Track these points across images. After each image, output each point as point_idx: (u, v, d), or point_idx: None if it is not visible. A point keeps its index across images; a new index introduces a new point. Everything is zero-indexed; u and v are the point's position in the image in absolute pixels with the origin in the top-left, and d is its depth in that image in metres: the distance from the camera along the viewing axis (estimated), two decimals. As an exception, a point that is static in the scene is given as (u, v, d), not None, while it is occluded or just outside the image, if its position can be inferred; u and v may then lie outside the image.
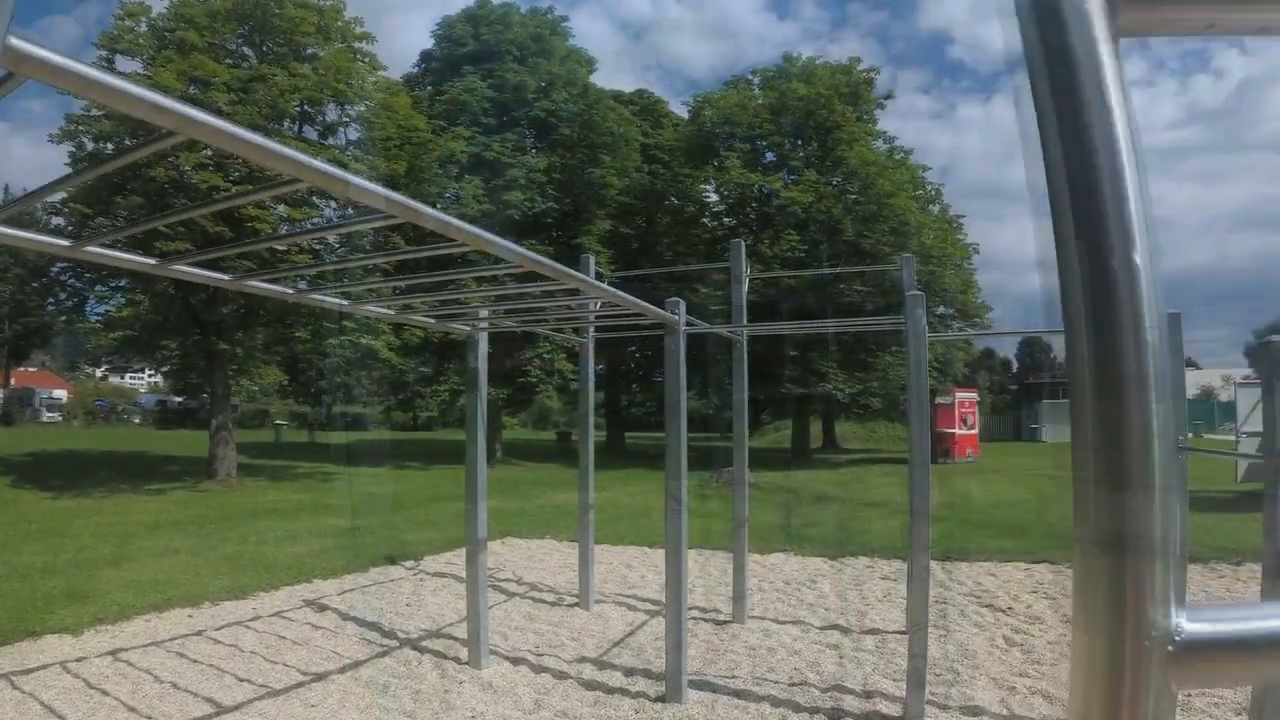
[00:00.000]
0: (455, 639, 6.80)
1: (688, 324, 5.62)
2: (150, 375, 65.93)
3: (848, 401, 35.30)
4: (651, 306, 4.94)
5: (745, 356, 7.84)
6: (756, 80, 33.62)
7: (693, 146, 32.78)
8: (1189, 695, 5.91)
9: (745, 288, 7.93)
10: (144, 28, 18.61)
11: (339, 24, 20.18)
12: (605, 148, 31.73)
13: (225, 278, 3.64)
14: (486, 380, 6.51)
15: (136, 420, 63.64)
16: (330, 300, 4.56)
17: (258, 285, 3.85)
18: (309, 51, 19.76)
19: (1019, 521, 13.97)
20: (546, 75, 31.13)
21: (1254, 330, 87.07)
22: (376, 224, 2.65)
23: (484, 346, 6.40)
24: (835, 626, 7.37)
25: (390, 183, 21.50)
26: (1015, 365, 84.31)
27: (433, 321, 5.81)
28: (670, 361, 5.38)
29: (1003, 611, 7.85)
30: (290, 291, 4.12)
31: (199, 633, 6.91)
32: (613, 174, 31.79)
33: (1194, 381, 69.89)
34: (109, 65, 18.04)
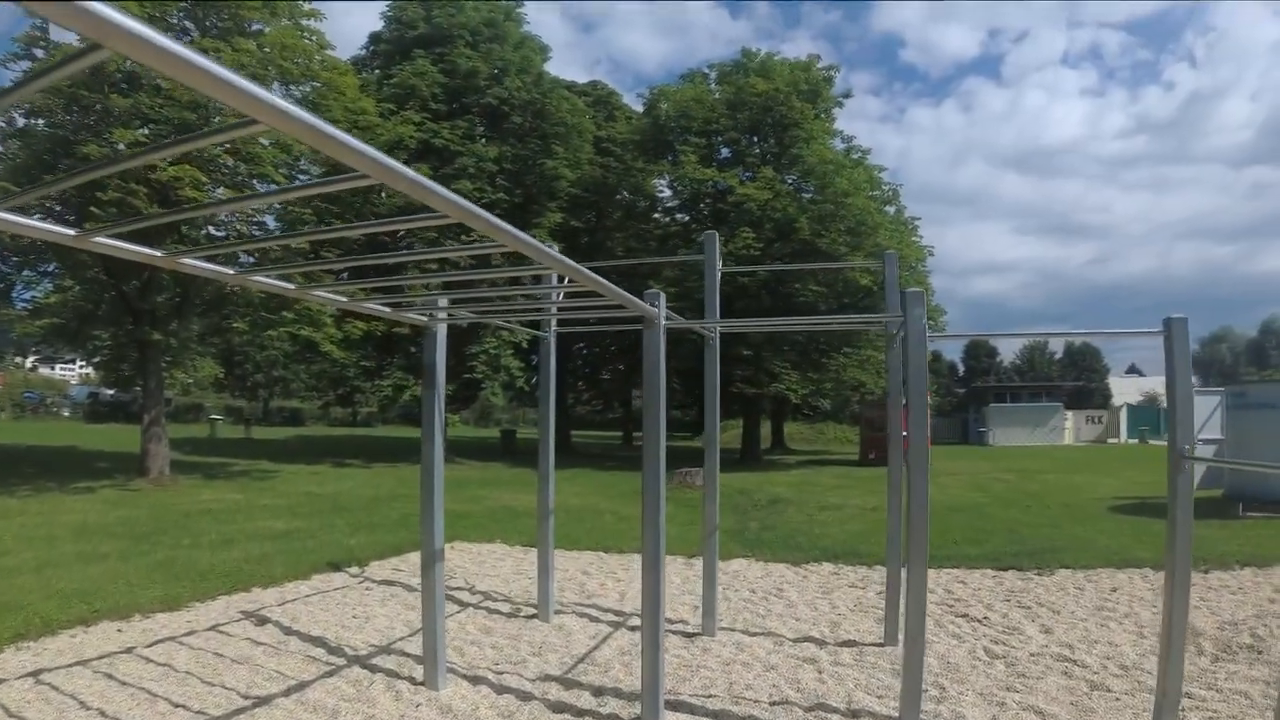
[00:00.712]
0: (408, 655, 6.30)
1: (665, 318, 5.19)
2: (81, 366, 63.80)
3: (799, 402, 35.34)
4: (634, 299, 4.51)
5: (718, 354, 7.46)
6: (713, 74, 33.38)
7: (647, 140, 32.40)
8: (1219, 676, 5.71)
9: (718, 281, 7.56)
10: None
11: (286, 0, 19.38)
12: (558, 138, 31.19)
13: (157, 253, 3.12)
14: (445, 375, 6.04)
15: (67, 413, 61.44)
16: (274, 283, 4.04)
17: (194, 264, 3.34)
18: (254, 28, 18.92)
19: (981, 527, 13.83)
20: (500, 61, 30.40)
21: (1199, 339, 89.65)
22: (343, 186, 2.20)
23: (443, 339, 5.94)
24: (809, 639, 7.03)
25: (334, 167, 20.75)
26: (961, 369, 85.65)
27: (388, 310, 5.31)
28: (650, 358, 4.95)
29: (979, 621, 7.60)
30: (230, 272, 3.60)
31: (129, 650, 6.30)
32: (565, 165, 31.27)
33: (1138, 388, 71.86)
34: (43, 35, 17.10)
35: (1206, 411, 17.68)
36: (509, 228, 2.78)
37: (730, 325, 8.12)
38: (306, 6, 19.98)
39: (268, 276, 3.95)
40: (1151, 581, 9.32)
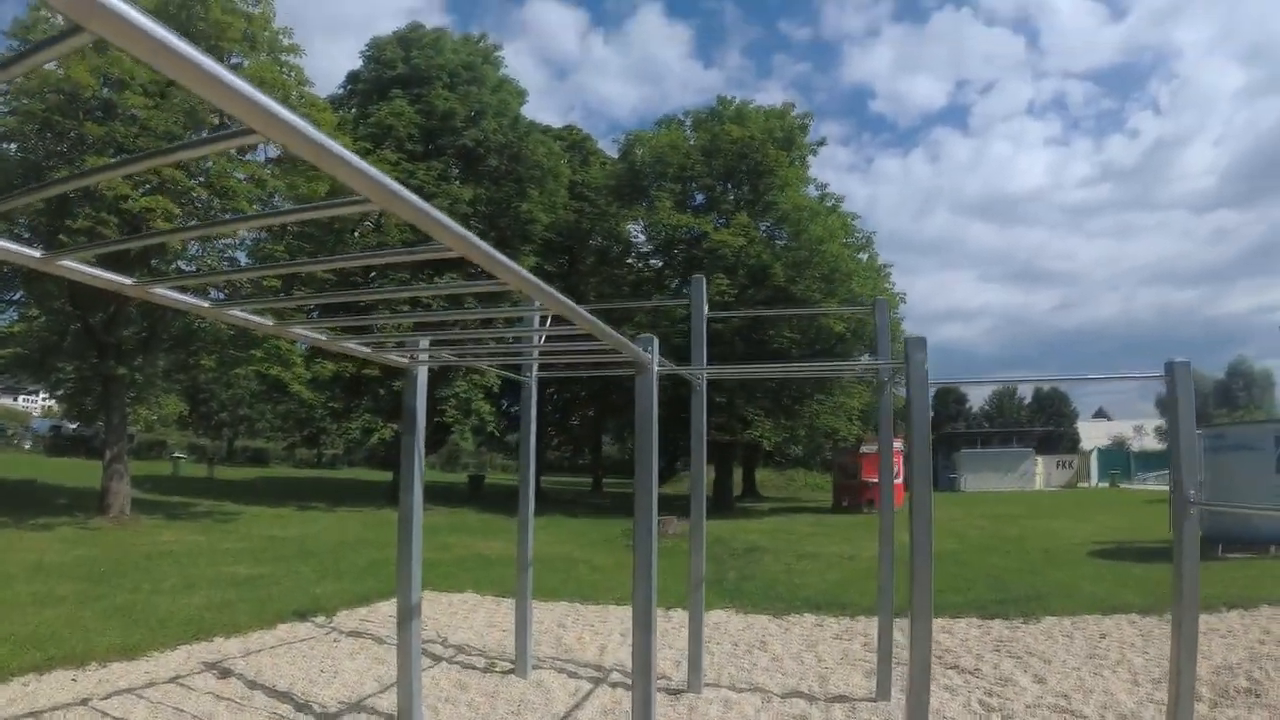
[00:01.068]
0: (379, 713, 5.96)
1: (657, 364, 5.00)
2: (45, 399, 62.44)
3: (771, 449, 35.20)
4: (628, 343, 4.32)
5: (705, 400, 7.26)
6: (689, 121, 33.61)
7: (622, 185, 32.45)
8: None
9: (704, 326, 7.38)
10: (59, 19, 17.44)
11: (267, 33, 19.20)
12: (533, 181, 31.16)
13: (127, 281, 2.89)
14: (425, 419, 5.79)
15: (28, 446, 59.92)
16: (252, 319, 3.80)
17: (167, 294, 3.10)
18: (233, 61, 18.73)
19: (961, 574, 13.65)
20: (477, 103, 30.40)
21: (1163, 383, 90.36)
22: (342, 211, 2.00)
23: (424, 382, 5.71)
24: (798, 693, 6.77)
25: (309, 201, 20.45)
26: (930, 415, 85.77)
27: (367, 351, 5.07)
28: (642, 404, 4.75)
29: (970, 673, 7.38)
30: (206, 304, 3.36)
31: (84, 701, 5.92)
32: (540, 208, 31.21)
33: (1106, 432, 72.62)
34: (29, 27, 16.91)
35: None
36: (512, 264, 2.59)
37: (719, 373, 7.94)
38: (286, 42, 19.86)
39: (245, 311, 3.71)
40: (1139, 627, 9.19)
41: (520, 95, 33.10)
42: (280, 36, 19.74)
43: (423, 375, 5.66)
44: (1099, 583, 12.44)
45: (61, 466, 37.93)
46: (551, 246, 33.25)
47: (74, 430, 54.98)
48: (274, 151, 19.72)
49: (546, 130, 34.58)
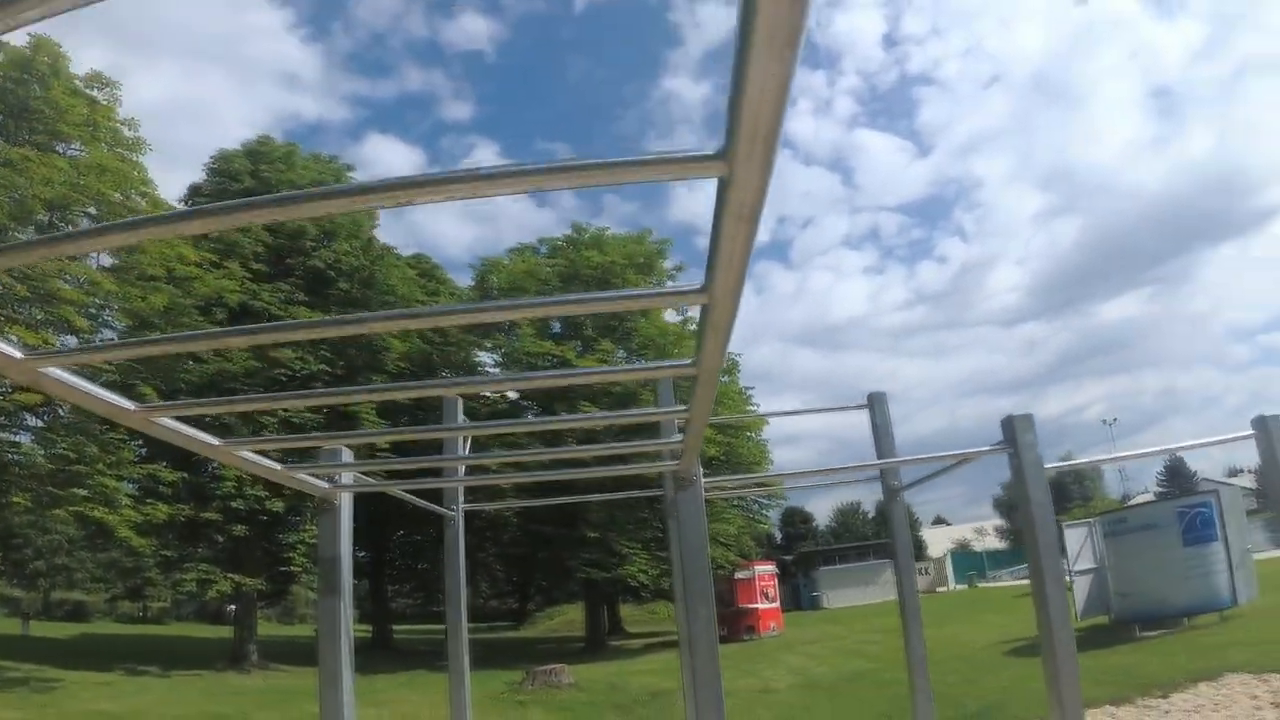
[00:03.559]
0: None
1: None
2: None
3: (640, 584, 33.92)
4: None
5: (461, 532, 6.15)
6: (544, 249, 33.22)
7: (451, 306, 31.35)
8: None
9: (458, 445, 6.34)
10: None
11: (110, 123, 17.36)
12: (386, 307, 29.61)
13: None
14: (351, 573, 4.39)
15: None
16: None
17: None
18: (70, 151, 16.78)
19: (898, 694, 12.77)
20: (328, 223, 28.84)
21: (999, 483, 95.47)
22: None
23: (349, 515, 4.31)
24: None
25: (143, 322, 18.28)
26: (779, 536, 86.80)
27: (277, 468, 3.68)
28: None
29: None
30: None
31: None
32: (393, 336, 29.66)
33: (947, 536, 75.08)
34: None
35: (1075, 544, 17.99)
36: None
37: (719, 484, 6.90)
38: (130, 135, 18.05)
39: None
40: (1123, 717, 8.64)
41: (373, 217, 31.86)
42: (124, 128, 17.95)
43: (347, 507, 4.26)
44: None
45: None
46: (403, 378, 31.47)
47: None
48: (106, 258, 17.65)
49: (398, 259, 33.28)
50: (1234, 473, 71.29)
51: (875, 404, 5.06)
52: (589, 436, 23.43)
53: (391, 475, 4.75)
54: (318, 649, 3.53)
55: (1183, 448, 4.38)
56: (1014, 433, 3.77)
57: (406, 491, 5.05)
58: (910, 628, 4.88)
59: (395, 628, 40.17)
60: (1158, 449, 4.41)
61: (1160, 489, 71.41)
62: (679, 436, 2.87)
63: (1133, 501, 24.23)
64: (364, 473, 4.00)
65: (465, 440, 5.55)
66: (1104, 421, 64.56)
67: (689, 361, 1.83)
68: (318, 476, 3.57)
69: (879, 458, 5.34)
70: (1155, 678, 10.17)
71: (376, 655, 28.66)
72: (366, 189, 1.13)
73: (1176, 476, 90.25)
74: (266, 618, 55.97)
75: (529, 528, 28.78)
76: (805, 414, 7.52)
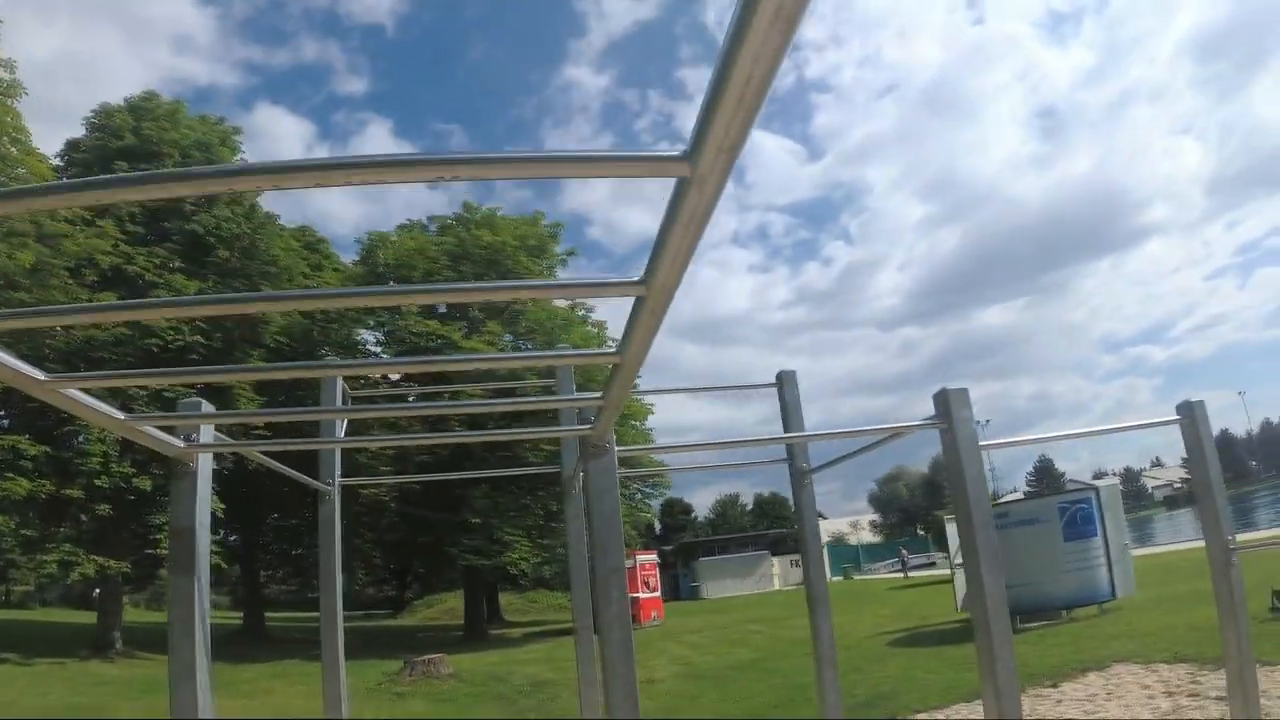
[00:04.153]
0: None
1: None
2: None
3: (520, 573, 33.36)
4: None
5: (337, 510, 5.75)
6: (434, 227, 32.10)
7: (362, 288, 30.06)
8: None
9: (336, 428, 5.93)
10: None
11: None
12: (267, 279, 27.96)
13: None
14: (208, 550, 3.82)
15: None
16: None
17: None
18: None
19: (785, 683, 12.76)
20: (210, 184, 26.97)
21: (875, 480, 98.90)
22: None
23: (207, 478, 3.67)
24: None
25: (8, 282, 16.75)
26: (659, 527, 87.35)
27: (120, 417, 3.07)
28: (596, 493, 3.25)
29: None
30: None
31: None
32: (275, 311, 28.14)
33: (825, 529, 77.19)
34: None
35: (956, 538, 18.48)
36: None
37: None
38: (5, 77, 16.45)
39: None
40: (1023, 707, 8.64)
41: None
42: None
43: (205, 470, 3.58)
44: (937, 671, 11.99)
45: None
46: (283, 354, 29.89)
47: None
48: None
49: (282, 230, 31.51)
50: (1099, 475, 75.51)
51: (785, 382, 4.88)
52: (476, 422, 22.72)
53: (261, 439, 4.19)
54: (169, 635, 2.96)
55: (1108, 430, 4.31)
56: (949, 407, 3.49)
57: (277, 459, 4.47)
58: (819, 617, 4.59)
59: (269, 614, 38.41)
60: (1085, 430, 4.32)
61: (1029, 489, 74.91)
62: (596, 394, 2.48)
63: (1003, 499, 25.16)
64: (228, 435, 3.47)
65: (343, 422, 5.07)
66: (978, 422, 66.85)
67: (613, 350, 1.82)
68: (173, 434, 3.01)
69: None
70: (1042, 668, 10.31)
71: (248, 643, 27.32)
72: (332, 164, 1.07)
73: (1046, 476, 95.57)
74: (135, 603, 52.75)
75: (409, 512, 27.82)
76: (710, 391, 7.21)
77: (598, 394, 2.31)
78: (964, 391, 3.60)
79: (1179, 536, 44.29)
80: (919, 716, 9.11)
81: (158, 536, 23.47)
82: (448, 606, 49.03)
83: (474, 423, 22.47)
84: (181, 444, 2.85)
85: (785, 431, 5.09)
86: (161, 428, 2.71)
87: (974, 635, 3.12)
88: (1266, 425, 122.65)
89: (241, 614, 34.80)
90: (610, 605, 2.58)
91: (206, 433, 3.01)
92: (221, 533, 30.05)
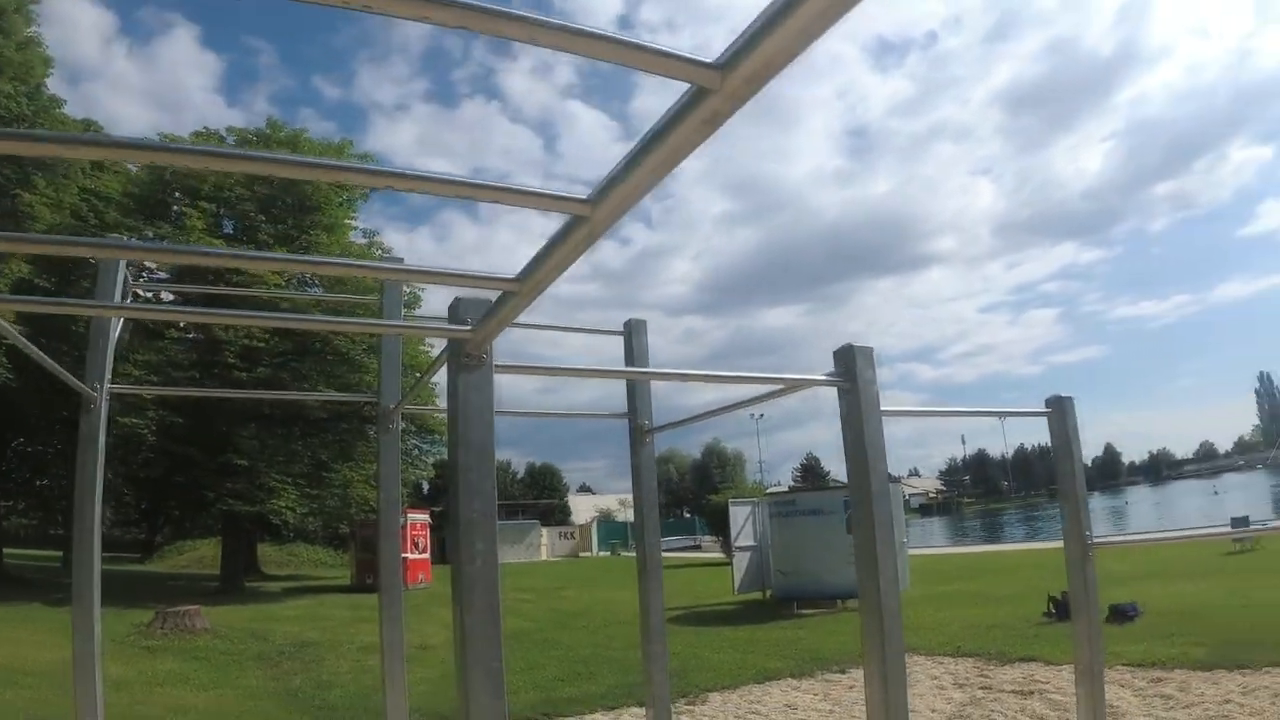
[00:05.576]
0: None
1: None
2: None
3: (285, 523, 31.34)
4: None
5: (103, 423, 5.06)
6: (231, 139, 29.16)
7: (147, 195, 26.82)
8: None
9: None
10: None
11: None
12: (43, 169, 24.44)
13: None
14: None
15: None
16: None
17: None
18: None
19: (566, 657, 12.45)
20: (-12, 52, 23.12)
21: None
22: None
23: None
24: None
25: None
26: (426, 487, 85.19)
27: None
28: (467, 415, 2.71)
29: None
30: None
31: None
32: (44, 204, 24.60)
33: (593, 504, 78.40)
34: None
35: (738, 522, 18.93)
36: None
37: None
38: None
39: None
40: (818, 691, 8.71)
41: (47, 64, 26.05)
42: None
43: None
44: (723, 651, 12.11)
45: None
46: (48, 259, 26.21)
47: None
48: None
49: (68, 118, 27.56)
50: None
51: (633, 331, 4.53)
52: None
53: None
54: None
55: (992, 412, 4.19)
56: (853, 365, 3.14)
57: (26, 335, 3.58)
58: (650, 592, 4.18)
59: (7, 550, 33.85)
60: (977, 409, 4.25)
61: (794, 484, 79.10)
62: (487, 294, 1.89)
63: (768, 492, 26.36)
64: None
65: (119, 322, 4.17)
66: (751, 416, 70.46)
67: (514, 276, 1.58)
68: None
69: (633, 390, 4.65)
70: (825, 653, 10.49)
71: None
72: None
73: (810, 474, 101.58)
74: None
75: (168, 448, 25.14)
76: (565, 331, 6.68)
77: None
78: (870, 350, 3.25)
79: (931, 542, 48.88)
80: (713, 695, 8.98)
81: None
82: (200, 554, 45.46)
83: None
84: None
85: (629, 383, 4.68)
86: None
87: (860, 609, 2.82)
88: (1020, 449, 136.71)
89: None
90: (475, 560, 1.97)
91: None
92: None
